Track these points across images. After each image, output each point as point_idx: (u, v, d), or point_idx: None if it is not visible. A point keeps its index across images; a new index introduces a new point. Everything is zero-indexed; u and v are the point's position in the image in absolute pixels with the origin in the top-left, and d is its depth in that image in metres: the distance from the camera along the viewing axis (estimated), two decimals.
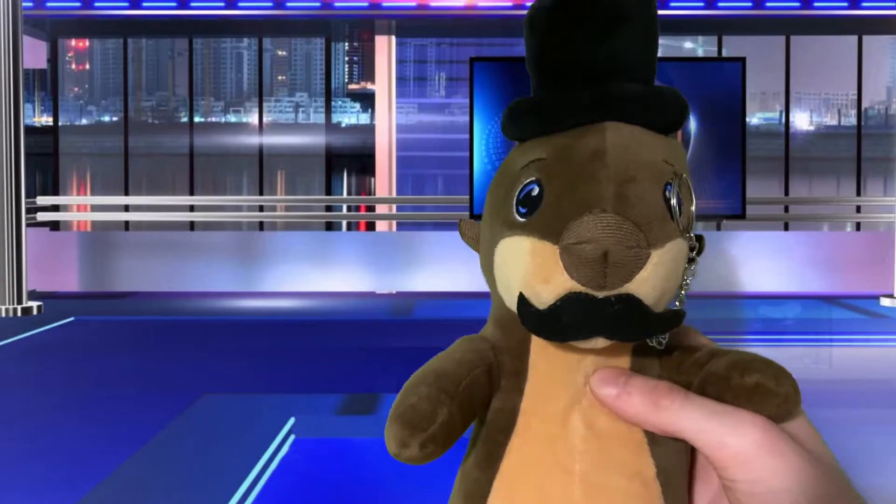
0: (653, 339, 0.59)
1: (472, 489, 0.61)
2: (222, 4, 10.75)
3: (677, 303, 0.58)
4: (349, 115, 12.38)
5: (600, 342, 0.56)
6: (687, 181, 0.58)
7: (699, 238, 0.60)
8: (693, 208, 0.58)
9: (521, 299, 0.56)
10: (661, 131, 0.59)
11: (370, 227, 11.57)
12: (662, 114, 0.58)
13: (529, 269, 0.55)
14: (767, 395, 0.57)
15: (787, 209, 11.08)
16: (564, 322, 0.55)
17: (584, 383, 0.59)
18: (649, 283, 0.54)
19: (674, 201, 0.56)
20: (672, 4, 10.64)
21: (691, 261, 0.59)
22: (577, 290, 0.54)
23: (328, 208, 11.45)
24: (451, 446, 0.60)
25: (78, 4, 10.80)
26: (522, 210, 0.57)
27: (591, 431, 0.58)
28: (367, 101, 12.22)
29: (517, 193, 0.57)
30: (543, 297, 0.55)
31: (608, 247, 0.53)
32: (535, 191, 0.56)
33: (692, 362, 0.60)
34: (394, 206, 11.10)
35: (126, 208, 11.29)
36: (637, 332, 0.55)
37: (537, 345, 0.60)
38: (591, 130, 0.57)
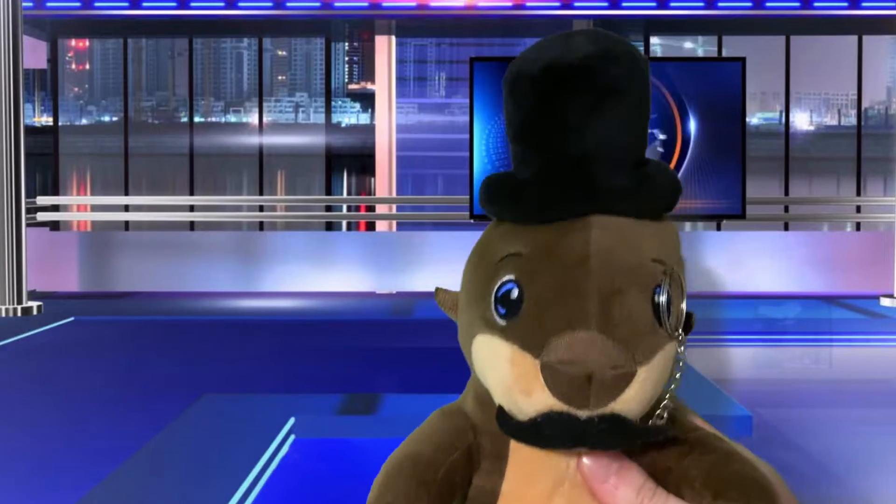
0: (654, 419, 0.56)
1: None
2: (222, 4, 10.75)
3: (667, 398, 0.56)
4: (349, 115, 12.38)
5: (583, 451, 0.55)
6: (678, 276, 0.54)
7: (688, 316, 0.57)
8: (683, 305, 0.55)
9: (501, 411, 0.55)
10: (658, 217, 0.55)
11: (370, 227, 11.57)
12: (655, 204, 0.55)
13: (509, 378, 0.53)
14: None
15: (787, 209, 11.08)
16: (545, 436, 0.53)
17: (566, 467, 0.57)
18: (635, 400, 0.53)
19: (663, 302, 0.53)
20: (672, 4, 10.64)
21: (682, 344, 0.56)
22: (558, 409, 0.52)
23: (328, 208, 11.45)
24: None
25: (78, 4, 10.79)
26: (502, 311, 0.54)
27: None
28: (367, 101, 12.22)
29: (495, 291, 0.54)
30: (524, 409, 0.53)
31: (593, 369, 0.51)
32: (515, 293, 0.53)
33: (676, 450, 0.57)
34: (394, 206, 11.10)
35: (126, 208, 11.29)
36: (620, 445, 0.54)
37: None
38: (575, 227, 0.53)
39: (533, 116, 0.53)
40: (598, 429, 0.52)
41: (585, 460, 0.56)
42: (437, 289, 0.62)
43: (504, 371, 0.54)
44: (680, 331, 0.54)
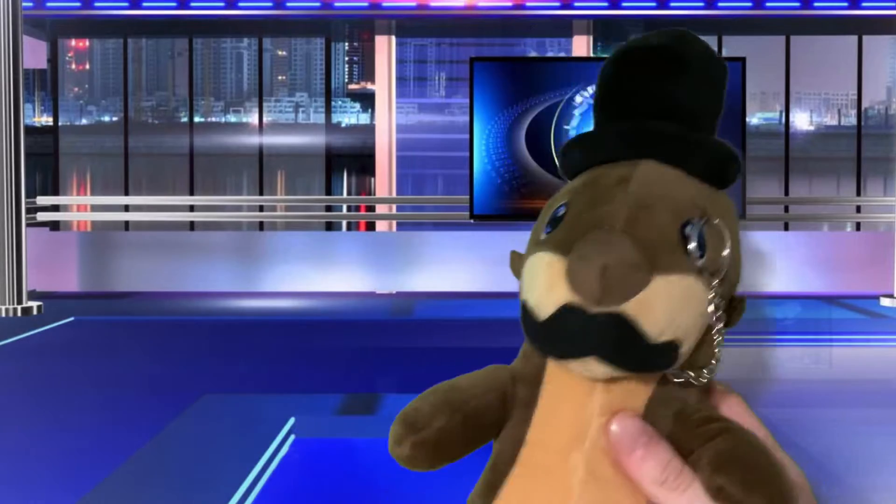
0: (682, 375, 0.56)
1: None
2: (222, 4, 10.75)
3: (705, 371, 0.57)
4: (349, 115, 12.38)
5: (595, 367, 0.54)
6: (720, 227, 0.56)
7: (739, 300, 0.59)
8: (725, 253, 0.56)
9: (524, 309, 0.56)
10: (707, 181, 0.58)
11: (370, 227, 11.57)
12: (701, 160, 0.58)
13: (542, 280, 0.56)
14: (730, 502, 0.53)
15: (787, 209, 11.08)
16: (559, 335, 0.54)
17: (588, 424, 0.57)
18: (648, 307, 0.53)
19: (692, 237, 0.55)
20: (672, 4, 10.64)
21: (723, 322, 0.57)
22: (572, 303, 0.53)
23: (328, 208, 11.45)
24: (446, 459, 0.60)
25: (78, 4, 10.79)
26: (548, 229, 0.58)
27: (591, 476, 0.57)
28: (367, 101, 12.22)
29: (547, 216, 0.59)
30: (545, 307, 0.55)
31: (607, 261, 0.53)
32: (562, 211, 0.58)
33: (701, 433, 0.56)
34: (394, 206, 11.10)
35: (126, 208, 11.29)
36: (628, 357, 0.54)
37: (551, 375, 0.59)
38: (626, 164, 0.58)
39: (610, 85, 0.60)
40: (605, 328, 0.53)
41: (614, 426, 0.56)
42: (512, 252, 0.63)
43: (541, 275, 0.56)
44: (716, 281, 0.56)
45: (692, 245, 0.55)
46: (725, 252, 0.57)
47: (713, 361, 0.57)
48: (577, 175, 0.61)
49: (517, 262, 0.62)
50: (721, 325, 0.57)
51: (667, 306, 0.54)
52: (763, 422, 0.64)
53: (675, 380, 0.57)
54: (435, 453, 0.59)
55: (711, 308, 0.56)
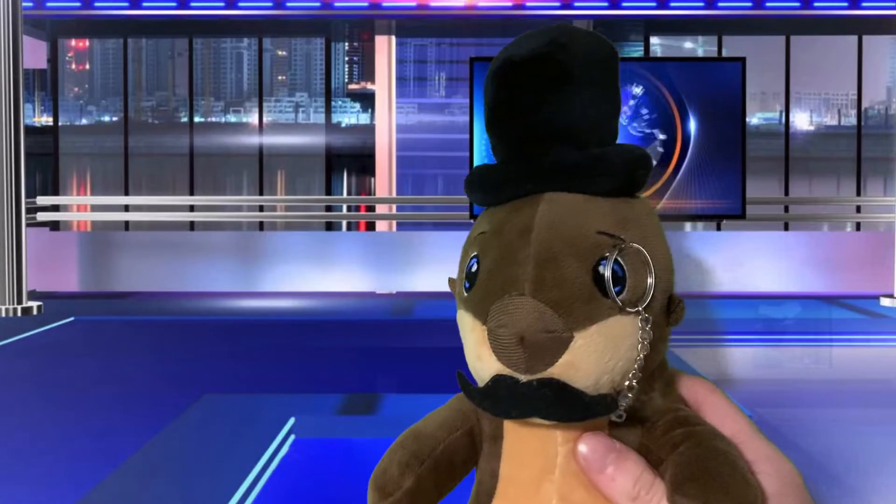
0: (613, 416, 0.56)
1: None
2: (222, 4, 10.75)
3: (634, 381, 0.55)
4: (349, 115, 12.38)
5: (540, 421, 0.55)
6: (636, 250, 0.54)
7: (676, 302, 0.56)
8: (650, 279, 0.54)
9: (460, 376, 0.57)
10: (617, 195, 0.56)
11: (370, 227, 11.57)
12: (608, 180, 0.55)
13: (469, 346, 0.56)
14: None
15: (787, 209, 11.08)
16: (498, 401, 0.54)
17: (555, 454, 0.57)
18: (575, 366, 0.53)
19: (607, 273, 0.53)
20: (672, 4, 10.64)
21: (660, 326, 0.56)
22: (503, 373, 0.54)
23: (328, 208, 11.45)
24: None
25: (78, 4, 10.79)
26: (467, 285, 0.57)
27: (564, 502, 0.57)
28: (367, 101, 12.22)
29: (465, 266, 0.58)
30: (480, 374, 0.55)
31: (522, 332, 0.52)
32: (475, 266, 0.57)
33: (667, 440, 0.57)
34: (394, 206, 11.09)
35: (126, 208, 11.29)
36: (570, 414, 0.54)
37: None
38: (527, 203, 0.56)
39: (493, 106, 0.57)
40: (540, 394, 0.53)
41: (582, 447, 0.56)
42: (450, 278, 0.64)
43: (468, 341, 0.56)
44: (640, 308, 0.54)
45: (609, 286, 0.53)
46: (650, 280, 0.55)
47: (629, 395, 0.55)
48: (487, 206, 0.59)
49: (453, 288, 0.62)
50: (645, 351, 0.55)
51: (595, 359, 0.53)
52: (756, 419, 0.64)
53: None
54: None
55: (641, 335, 0.54)
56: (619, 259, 0.54)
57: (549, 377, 0.53)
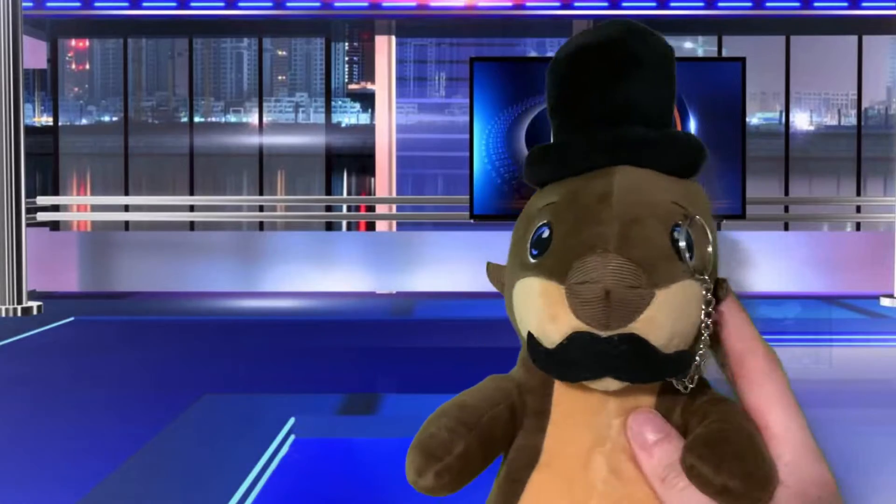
0: (677, 382, 0.57)
1: None
2: (222, 4, 10.75)
3: (702, 346, 0.57)
4: (349, 115, 12.38)
5: (611, 383, 0.56)
6: (702, 223, 0.57)
7: (721, 281, 0.59)
8: (710, 249, 0.57)
9: (531, 338, 0.57)
10: (678, 175, 0.59)
11: (370, 227, 11.57)
12: (675, 158, 0.59)
13: (539, 308, 0.56)
14: (701, 482, 0.55)
15: (787, 209, 11.08)
16: (572, 361, 0.55)
17: (607, 426, 0.58)
18: (655, 323, 0.54)
19: (682, 242, 0.56)
20: (672, 4, 10.64)
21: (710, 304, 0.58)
22: (581, 330, 0.54)
23: (328, 208, 11.45)
24: (468, 480, 0.60)
25: (78, 4, 10.79)
26: (535, 252, 0.58)
27: (613, 475, 0.58)
28: (367, 101, 12.22)
29: (531, 236, 0.59)
30: (552, 336, 0.56)
31: (609, 286, 0.54)
32: (546, 233, 0.58)
33: (700, 412, 0.58)
34: (394, 206, 11.10)
35: (126, 208, 11.29)
36: (645, 373, 0.55)
37: (560, 385, 0.60)
38: (601, 174, 0.58)
39: (566, 89, 0.60)
40: (619, 350, 0.54)
41: (631, 422, 0.58)
42: (488, 263, 0.64)
43: (537, 304, 0.56)
44: (706, 277, 0.57)
45: (683, 250, 0.56)
46: (709, 248, 0.57)
47: (697, 359, 0.57)
48: (546, 184, 0.61)
49: (496, 274, 0.63)
50: (709, 319, 0.57)
51: (671, 318, 0.55)
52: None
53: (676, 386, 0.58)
54: (459, 479, 0.59)
55: (704, 306, 0.57)
56: (688, 230, 0.57)
57: (630, 332, 0.54)
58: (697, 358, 0.57)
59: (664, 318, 0.54)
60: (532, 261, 0.58)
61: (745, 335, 0.61)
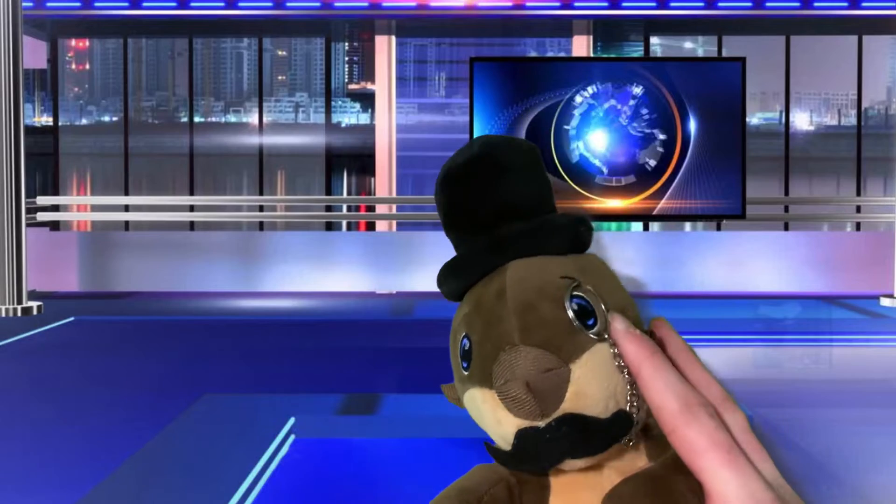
0: (622, 441, 0.59)
1: None
2: (222, 4, 10.75)
3: (634, 403, 0.58)
4: (349, 115, 12.38)
5: (575, 463, 0.58)
6: (590, 289, 0.60)
7: (650, 333, 0.62)
8: (605, 309, 0.59)
9: (489, 447, 0.60)
10: (568, 252, 0.62)
11: (370, 227, 11.57)
12: (557, 240, 0.62)
13: (486, 417, 0.59)
14: None
15: (787, 209, 11.08)
16: (530, 456, 0.58)
17: (610, 485, 0.60)
18: (582, 395, 0.57)
19: (570, 313, 0.58)
20: (672, 4, 10.64)
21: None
22: (523, 426, 0.57)
23: (328, 208, 11.45)
24: None
25: (78, 4, 10.79)
26: (465, 364, 0.61)
27: None
28: (367, 101, 12.22)
29: (458, 350, 0.62)
30: (506, 438, 0.58)
31: (527, 377, 0.56)
32: (467, 344, 0.61)
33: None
34: (394, 206, 11.10)
35: (126, 208, 11.29)
36: (595, 445, 0.57)
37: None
38: (496, 274, 0.61)
39: (447, 209, 0.64)
40: (562, 433, 0.56)
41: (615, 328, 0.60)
42: (442, 386, 0.68)
43: (480, 412, 0.60)
44: (606, 335, 0.59)
45: (573, 319, 0.58)
46: (603, 307, 0.59)
47: (634, 417, 0.59)
48: (461, 297, 0.64)
49: (451, 393, 0.66)
50: (627, 373, 0.59)
51: (594, 385, 0.57)
52: (756, 419, 0.66)
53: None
54: None
55: (618, 362, 0.59)
56: (582, 294, 0.59)
57: (564, 413, 0.57)
58: (634, 415, 0.58)
59: (589, 388, 0.57)
60: (465, 373, 0.61)
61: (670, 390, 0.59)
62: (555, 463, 0.58)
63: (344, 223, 11.76)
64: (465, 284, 0.63)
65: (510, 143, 0.64)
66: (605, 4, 10.69)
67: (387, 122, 11.49)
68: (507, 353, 0.57)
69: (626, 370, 0.58)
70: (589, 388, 0.57)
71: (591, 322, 0.58)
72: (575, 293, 0.59)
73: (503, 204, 0.63)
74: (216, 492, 3.88)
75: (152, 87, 12.39)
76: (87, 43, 12.67)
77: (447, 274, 0.65)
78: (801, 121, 11.92)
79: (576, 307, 0.58)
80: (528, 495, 0.63)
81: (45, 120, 12.24)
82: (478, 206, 0.63)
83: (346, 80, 12.53)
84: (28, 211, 8.98)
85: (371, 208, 11.60)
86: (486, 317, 0.60)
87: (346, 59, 12.58)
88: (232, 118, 12.38)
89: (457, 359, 0.63)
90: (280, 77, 12.53)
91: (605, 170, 8.77)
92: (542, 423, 0.56)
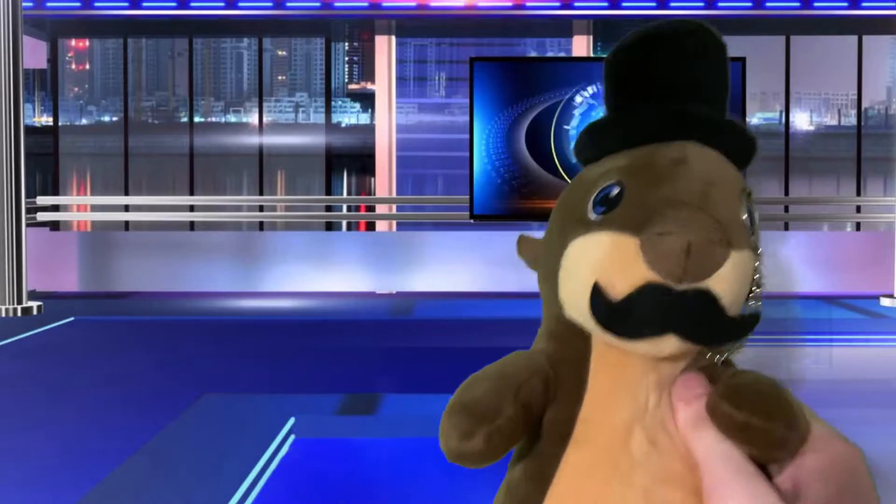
0: (713, 352, 0.58)
1: (523, 502, 0.60)
2: (222, 4, 10.75)
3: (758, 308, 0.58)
4: (349, 115, 12.38)
5: (668, 344, 0.55)
6: (754, 203, 0.59)
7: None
8: (757, 227, 0.59)
9: (596, 289, 0.56)
10: (734, 162, 0.60)
11: (370, 227, 11.57)
12: (736, 143, 0.60)
13: (606, 261, 0.56)
14: (724, 422, 0.55)
15: (787, 209, 11.07)
16: (636, 316, 0.55)
17: (646, 399, 0.58)
18: (727, 282, 0.54)
19: (746, 215, 0.57)
20: (672, 4, 10.64)
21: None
22: (654, 282, 0.54)
23: (328, 208, 11.45)
24: (510, 448, 0.58)
25: (78, 4, 10.79)
26: (600, 209, 0.57)
27: (652, 447, 0.58)
28: (367, 101, 12.22)
29: (594, 196, 0.58)
30: (619, 288, 0.55)
31: (692, 239, 0.53)
32: (615, 191, 0.57)
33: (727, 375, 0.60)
34: (394, 206, 11.09)
35: (126, 208, 11.29)
36: (711, 332, 0.55)
37: (598, 357, 0.59)
38: (667, 146, 0.59)
39: (639, 68, 0.61)
40: (690, 305, 0.54)
41: (679, 379, 0.58)
42: (520, 236, 0.64)
43: (601, 256, 0.56)
44: (760, 250, 0.58)
45: (747, 221, 0.57)
46: (757, 226, 0.59)
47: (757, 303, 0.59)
48: (594, 160, 0.61)
49: (527, 247, 0.63)
50: (759, 291, 0.58)
51: (739, 280, 0.55)
52: None
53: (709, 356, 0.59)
54: (508, 444, 0.58)
55: (756, 278, 0.58)
56: (751, 205, 0.58)
57: (704, 287, 0.54)
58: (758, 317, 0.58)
59: (734, 279, 0.55)
60: (597, 217, 0.57)
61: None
62: (655, 333, 0.55)
63: (344, 223, 11.75)
64: (626, 146, 0.60)
65: (717, 34, 0.62)
66: (605, 4, 10.68)
67: (387, 122, 11.49)
68: (681, 209, 0.54)
69: (756, 286, 0.57)
70: (734, 278, 0.55)
71: (751, 230, 0.57)
72: (746, 200, 0.58)
73: (695, 84, 0.60)
74: (216, 492, 3.88)
75: (152, 87, 12.39)
76: (87, 43, 12.67)
77: (613, 127, 0.61)
78: (801, 121, 11.92)
79: (750, 208, 0.58)
80: (562, 392, 0.59)
81: (45, 120, 12.24)
82: (668, 78, 0.60)
83: (346, 80, 12.52)
84: (28, 211, 8.98)
85: (371, 208, 11.59)
86: (658, 173, 0.57)
87: (346, 59, 12.58)
88: (232, 118, 12.37)
89: (583, 205, 0.58)
90: (280, 77, 12.53)
91: None
92: (677, 287, 0.54)
